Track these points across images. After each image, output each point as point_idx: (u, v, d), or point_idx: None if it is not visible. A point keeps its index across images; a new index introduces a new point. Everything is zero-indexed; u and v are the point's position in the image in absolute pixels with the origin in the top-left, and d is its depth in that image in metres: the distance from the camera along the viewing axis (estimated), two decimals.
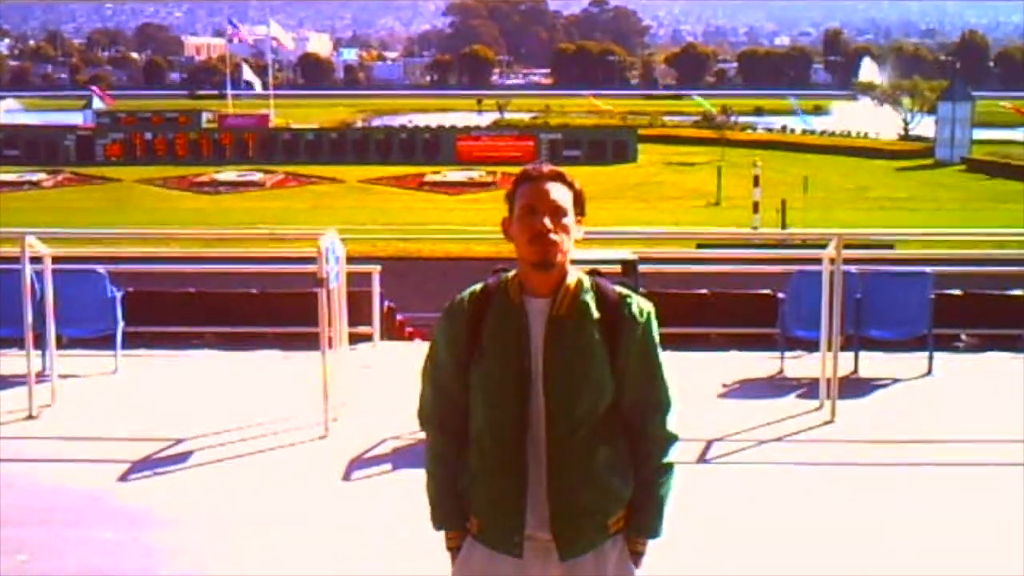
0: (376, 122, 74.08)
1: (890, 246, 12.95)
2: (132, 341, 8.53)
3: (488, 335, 2.72)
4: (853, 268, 7.97)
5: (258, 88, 72.32)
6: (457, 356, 2.76)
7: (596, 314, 2.71)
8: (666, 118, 74.78)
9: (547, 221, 2.66)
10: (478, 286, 2.80)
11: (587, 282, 2.76)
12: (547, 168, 2.75)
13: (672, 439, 2.80)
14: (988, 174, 49.49)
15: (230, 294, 9.93)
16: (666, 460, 2.78)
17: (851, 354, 7.99)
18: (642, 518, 2.78)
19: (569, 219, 2.71)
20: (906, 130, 66.72)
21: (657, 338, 2.79)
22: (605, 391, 2.71)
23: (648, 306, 2.78)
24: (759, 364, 8.31)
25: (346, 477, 6.04)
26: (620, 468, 2.75)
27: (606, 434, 2.73)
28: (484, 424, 2.72)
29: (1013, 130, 62.39)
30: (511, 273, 2.78)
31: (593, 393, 2.70)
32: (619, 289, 2.79)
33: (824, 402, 7.09)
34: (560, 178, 2.73)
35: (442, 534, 2.91)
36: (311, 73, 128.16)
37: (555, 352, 2.68)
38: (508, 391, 2.68)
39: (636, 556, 2.80)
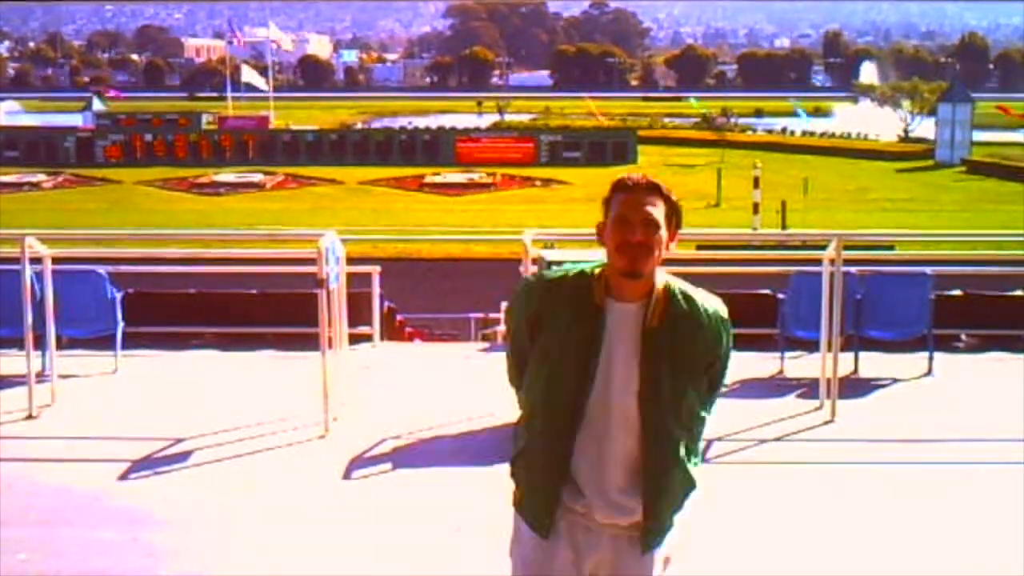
0: (376, 124, 74.10)
1: (890, 247, 12.96)
2: (132, 341, 8.53)
3: (559, 325, 2.75)
4: (853, 269, 7.97)
5: (261, 86, 72.24)
6: (530, 327, 2.81)
7: (690, 325, 2.75)
8: (666, 120, 74.85)
9: (639, 232, 2.69)
10: (560, 271, 2.83)
11: (676, 289, 2.78)
12: (644, 179, 2.75)
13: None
14: (988, 175, 49.52)
15: (230, 295, 9.92)
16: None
17: (851, 354, 7.99)
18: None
19: (662, 232, 2.72)
20: (906, 132, 66.77)
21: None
22: (696, 404, 2.81)
23: (726, 314, 2.85)
24: (759, 364, 8.30)
25: (346, 476, 6.04)
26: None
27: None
28: (539, 405, 2.80)
29: (1013, 132, 62.42)
30: (596, 270, 2.79)
31: (690, 406, 2.79)
32: (708, 298, 2.82)
33: (824, 402, 7.08)
34: (656, 191, 2.74)
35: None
36: (311, 75, 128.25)
37: (651, 365, 2.72)
38: (568, 383, 2.73)
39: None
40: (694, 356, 2.76)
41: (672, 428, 2.76)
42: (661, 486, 2.78)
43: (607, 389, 2.73)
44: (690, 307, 2.76)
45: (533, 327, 2.79)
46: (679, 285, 2.79)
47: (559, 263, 5.68)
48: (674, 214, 2.76)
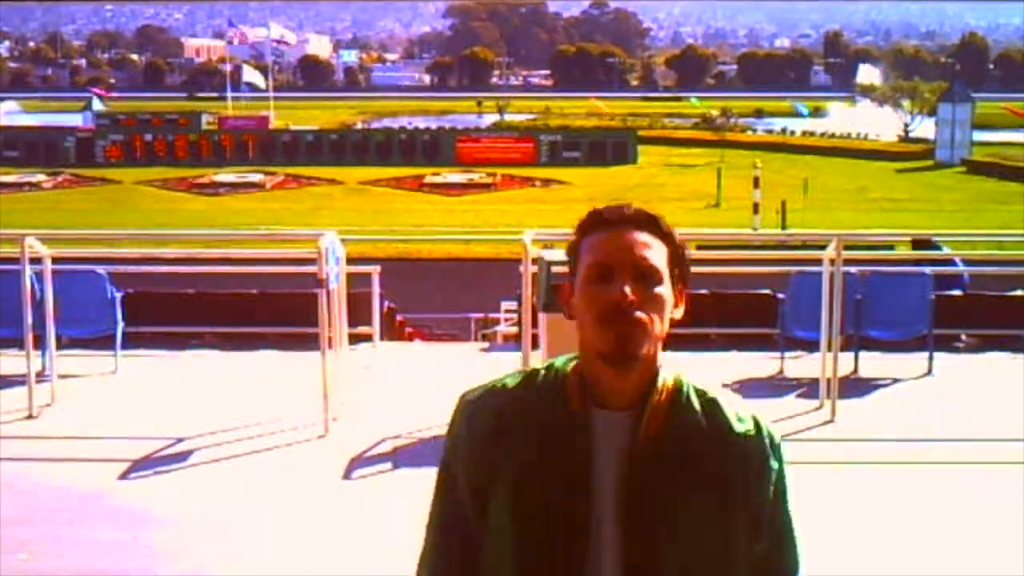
0: (376, 124, 74.10)
1: (890, 247, 12.96)
2: (132, 341, 8.53)
3: (527, 460, 1.73)
4: (853, 269, 7.97)
5: (260, 84, 72.19)
6: (475, 481, 1.80)
7: (710, 441, 1.76)
8: (666, 120, 74.86)
9: (628, 289, 1.69)
10: (517, 379, 1.81)
11: (687, 385, 1.78)
12: (630, 209, 1.77)
13: None
14: (988, 175, 49.55)
15: (230, 294, 9.93)
16: None
17: (851, 354, 7.99)
18: None
19: (664, 288, 1.74)
20: (906, 132, 66.78)
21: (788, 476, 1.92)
22: (735, 561, 1.80)
23: (776, 431, 1.91)
24: (759, 364, 8.31)
25: (346, 476, 6.04)
26: None
27: None
28: None
29: (1013, 132, 62.42)
30: (570, 365, 1.78)
31: (716, 561, 1.77)
32: (738, 402, 1.83)
33: (824, 402, 7.09)
34: (650, 224, 1.76)
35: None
36: (311, 75, 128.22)
37: (640, 514, 1.71)
38: (552, 545, 1.71)
39: None
40: (718, 497, 1.75)
41: None
42: None
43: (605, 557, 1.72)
44: (710, 412, 1.77)
45: (481, 492, 1.76)
46: (694, 382, 1.80)
47: (560, 263, 5.65)
48: (679, 261, 1.79)
